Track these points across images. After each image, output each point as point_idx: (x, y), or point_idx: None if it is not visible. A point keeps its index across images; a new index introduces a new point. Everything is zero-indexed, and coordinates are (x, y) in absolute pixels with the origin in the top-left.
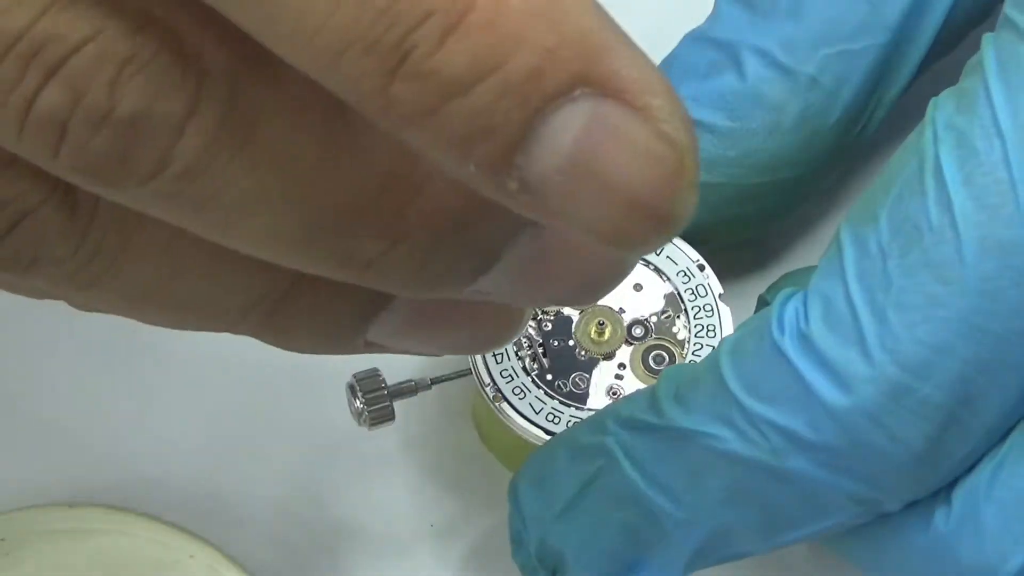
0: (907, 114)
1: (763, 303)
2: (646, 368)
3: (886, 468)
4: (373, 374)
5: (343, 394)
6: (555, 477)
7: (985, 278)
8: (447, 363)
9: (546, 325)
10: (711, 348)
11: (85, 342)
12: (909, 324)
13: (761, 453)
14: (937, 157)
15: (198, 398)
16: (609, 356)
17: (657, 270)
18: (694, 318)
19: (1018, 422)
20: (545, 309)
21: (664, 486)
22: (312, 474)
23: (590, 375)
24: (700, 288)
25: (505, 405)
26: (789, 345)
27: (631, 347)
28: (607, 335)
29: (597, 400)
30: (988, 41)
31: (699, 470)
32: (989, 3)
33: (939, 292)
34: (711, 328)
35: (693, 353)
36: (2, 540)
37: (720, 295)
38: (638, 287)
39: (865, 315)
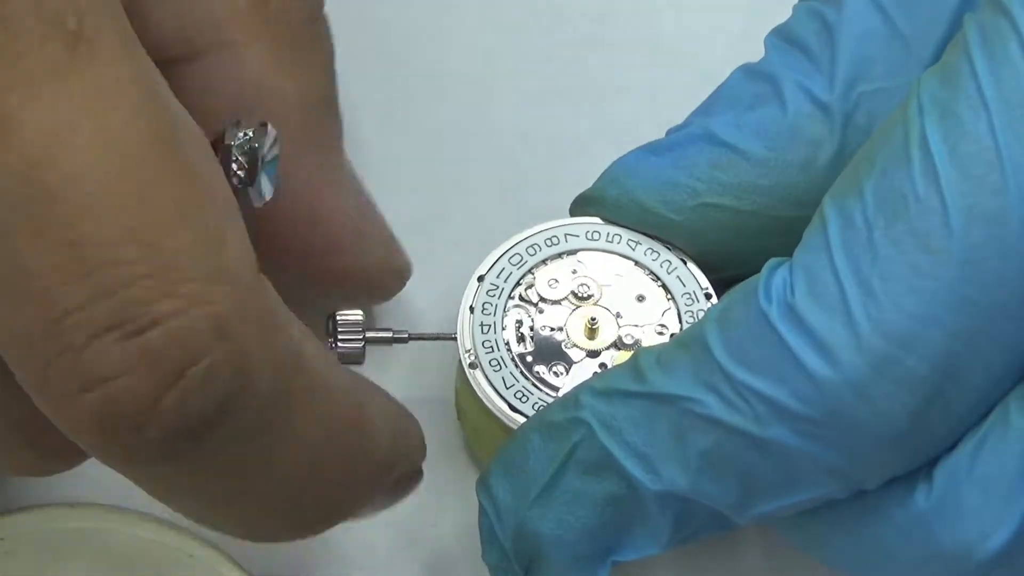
0: None
1: None
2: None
3: (868, 442)
4: (355, 316)
5: None
6: (529, 462)
7: (971, 247)
8: (432, 324)
9: (541, 309)
10: None
11: None
12: (894, 294)
13: (743, 420)
14: (923, 128)
15: None
16: (594, 354)
17: (664, 287)
18: None
19: (1000, 399)
20: (543, 297)
21: (642, 455)
22: None
23: (570, 368)
24: (701, 314)
25: (479, 373)
26: (776, 314)
27: (618, 352)
28: (598, 335)
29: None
30: (970, 19)
31: (679, 436)
32: None
33: (924, 262)
34: None
35: None
36: (2, 540)
37: None
38: (641, 298)
39: (850, 286)
